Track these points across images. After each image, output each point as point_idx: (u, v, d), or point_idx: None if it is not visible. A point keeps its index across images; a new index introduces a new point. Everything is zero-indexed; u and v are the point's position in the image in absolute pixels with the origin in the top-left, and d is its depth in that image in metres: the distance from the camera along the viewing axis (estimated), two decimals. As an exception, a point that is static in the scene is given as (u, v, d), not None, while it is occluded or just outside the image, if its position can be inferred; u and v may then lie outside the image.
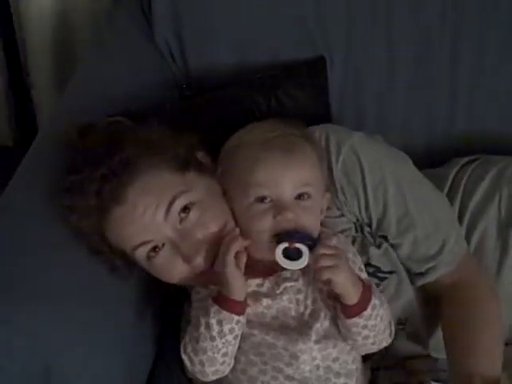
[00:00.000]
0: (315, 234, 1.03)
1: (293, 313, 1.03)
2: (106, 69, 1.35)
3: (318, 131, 1.12)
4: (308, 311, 1.03)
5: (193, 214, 1.03)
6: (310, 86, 1.35)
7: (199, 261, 1.03)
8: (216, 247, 1.03)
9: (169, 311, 1.19)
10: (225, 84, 1.36)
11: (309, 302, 1.03)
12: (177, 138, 1.07)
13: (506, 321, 1.13)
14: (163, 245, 1.03)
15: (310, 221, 1.02)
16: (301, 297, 1.03)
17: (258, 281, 1.04)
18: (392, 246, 1.13)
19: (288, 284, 1.03)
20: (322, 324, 1.02)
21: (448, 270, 1.12)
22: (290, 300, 1.03)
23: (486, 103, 1.43)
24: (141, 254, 1.04)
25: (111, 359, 1.05)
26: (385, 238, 1.13)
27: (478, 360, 1.06)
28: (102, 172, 1.01)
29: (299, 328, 1.02)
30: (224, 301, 0.99)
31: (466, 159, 1.32)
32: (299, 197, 1.01)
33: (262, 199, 1.01)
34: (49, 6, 1.68)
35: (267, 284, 1.03)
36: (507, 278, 1.18)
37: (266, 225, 1.00)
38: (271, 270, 1.03)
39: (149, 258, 1.04)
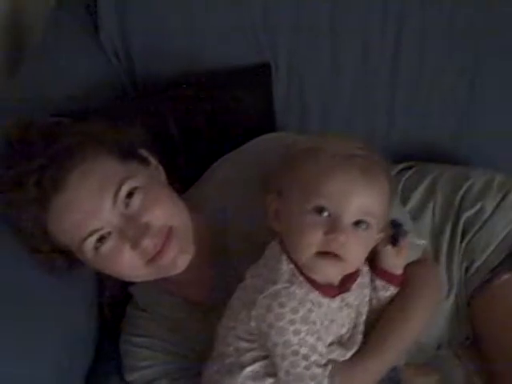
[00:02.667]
0: (356, 267, 1.00)
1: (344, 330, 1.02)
2: (47, 69, 1.34)
3: None
4: (348, 335, 1.02)
5: (136, 198, 1.01)
6: (255, 91, 1.36)
7: (146, 243, 1.00)
8: (162, 235, 1.02)
9: (109, 315, 1.18)
10: (170, 86, 1.36)
11: (351, 325, 1.02)
12: (120, 132, 1.06)
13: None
14: (109, 233, 1.01)
15: (358, 252, 0.96)
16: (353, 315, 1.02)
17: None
18: None
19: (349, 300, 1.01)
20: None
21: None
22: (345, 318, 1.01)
23: (422, 112, 1.45)
24: (89, 245, 1.01)
25: (43, 362, 1.02)
26: None
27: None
28: (40, 162, 0.98)
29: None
30: None
31: (400, 166, 1.34)
32: (357, 223, 0.95)
33: (320, 210, 0.94)
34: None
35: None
36: None
37: (314, 239, 0.93)
38: (331, 288, 0.99)
39: (96, 248, 1.01)
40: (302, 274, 0.96)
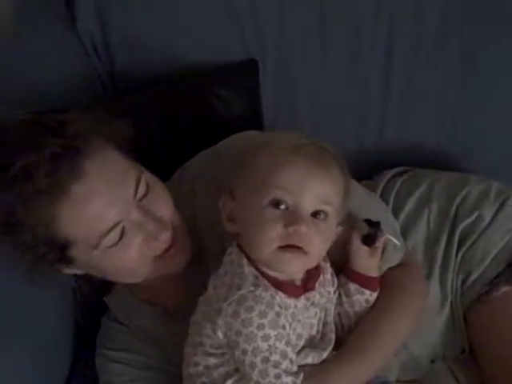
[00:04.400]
0: (318, 260, 0.98)
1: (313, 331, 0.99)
2: (21, 62, 1.28)
3: None
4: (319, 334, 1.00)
5: (152, 192, 1.01)
6: (241, 90, 1.31)
7: (165, 236, 1.00)
8: (169, 231, 1.01)
9: (83, 324, 1.15)
10: (153, 83, 1.31)
11: (320, 325, 1.00)
12: (117, 126, 1.04)
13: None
14: (123, 228, 0.98)
15: (319, 244, 0.94)
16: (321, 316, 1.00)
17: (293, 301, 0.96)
18: None
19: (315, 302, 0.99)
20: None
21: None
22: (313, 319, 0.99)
23: (415, 115, 1.42)
24: (109, 240, 0.97)
25: (21, 371, 1.00)
26: None
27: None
28: (51, 151, 0.93)
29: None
30: None
31: (394, 171, 1.31)
32: (315, 214, 0.93)
33: (277, 203, 0.92)
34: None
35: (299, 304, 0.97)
36: (431, 295, 1.17)
37: (275, 233, 0.91)
38: (295, 288, 0.97)
39: (114, 244, 0.98)
40: (264, 276, 0.94)
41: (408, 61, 1.39)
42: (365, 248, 1.02)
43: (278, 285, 0.94)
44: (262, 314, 0.90)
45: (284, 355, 0.91)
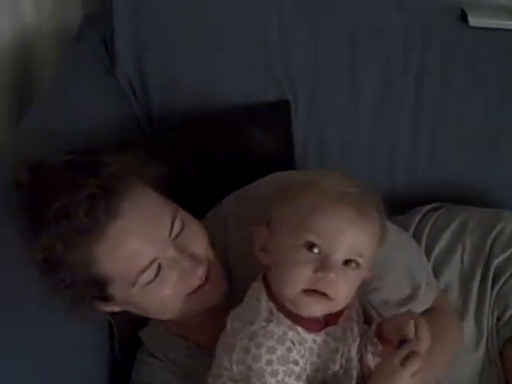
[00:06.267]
0: (343, 306, 0.96)
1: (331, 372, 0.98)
2: (63, 104, 1.31)
3: None
4: (342, 370, 0.99)
5: (187, 229, 1.03)
6: (275, 130, 1.33)
7: (201, 272, 1.02)
8: (206, 266, 1.03)
9: (121, 358, 1.15)
10: (187, 126, 1.33)
11: (343, 360, 0.99)
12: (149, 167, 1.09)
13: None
14: (159, 265, 1.00)
15: (346, 292, 0.93)
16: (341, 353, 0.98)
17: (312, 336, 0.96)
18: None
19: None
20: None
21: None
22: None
23: (447, 151, 1.43)
24: (146, 277, 0.99)
25: None
26: None
27: None
28: (88, 191, 0.97)
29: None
30: None
31: (428, 207, 1.31)
32: (347, 262, 0.92)
33: (310, 246, 0.92)
34: (7, 44, 1.64)
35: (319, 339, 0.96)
36: (466, 332, 1.16)
37: (303, 275, 0.91)
38: (315, 323, 0.96)
39: (151, 281, 1.00)
40: (283, 310, 0.93)
41: (437, 98, 1.41)
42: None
43: (298, 320, 0.93)
44: (271, 350, 0.90)
45: None
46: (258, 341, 0.91)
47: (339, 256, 0.92)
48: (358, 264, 0.93)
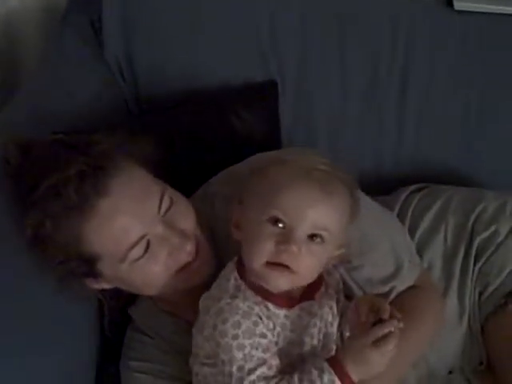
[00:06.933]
0: (308, 280, 0.98)
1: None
2: (52, 86, 1.32)
3: None
4: (320, 344, 1.00)
5: (175, 206, 1.04)
6: (261, 110, 1.35)
7: (190, 248, 1.03)
8: (195, 243, 1.04)
9: (111, 336, 1.16)
10: (175, 105, 1.34)
11: (321, 335, 1.00)
12: (138, 145, 1.08)
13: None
14: (148, 241, 1.01)
15: (309, 265, 0.95)
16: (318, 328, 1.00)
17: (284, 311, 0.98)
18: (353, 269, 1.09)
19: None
20: None
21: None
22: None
23: (432, 132, 1.44)
24: (135, 253, 1.00)
25: (45, 382, 1.01)
26: None
27: None
28: (77, 169, 0.98)
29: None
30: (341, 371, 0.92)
31: (412, 187, 1.33)
32: (311, 237, 0.94)
33: (275, 221, 0.94)
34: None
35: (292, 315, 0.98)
36: (449, 308, 1.18)
37: (265, 248, 0.93)
38: (288, 299, 0.98)
39: (140, 257, 1.01)
40: (253, 287, 0.96)
41: (424, 84, 1.42)
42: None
43: (268, 295, 0.96)
44: (236, 325, 0.93)
45: (261, 362, 0.93)
46: (223, 316, 0.93)
47: (303, 230, 0.94)
48: (322, 238, 0.95)
